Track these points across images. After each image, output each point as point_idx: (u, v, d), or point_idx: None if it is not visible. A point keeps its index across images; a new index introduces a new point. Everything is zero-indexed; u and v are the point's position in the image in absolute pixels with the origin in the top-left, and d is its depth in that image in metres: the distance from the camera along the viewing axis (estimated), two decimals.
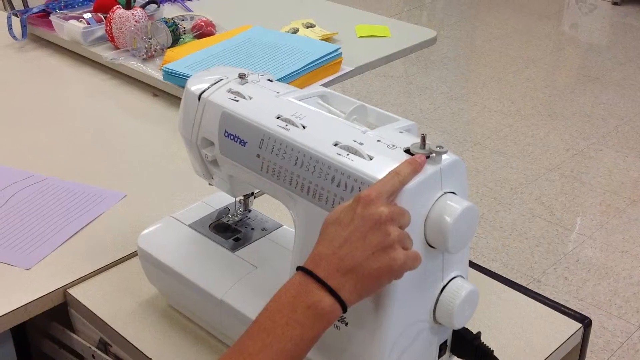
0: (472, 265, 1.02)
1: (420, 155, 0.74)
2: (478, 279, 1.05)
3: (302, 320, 0.68)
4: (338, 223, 0.71)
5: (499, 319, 0.99)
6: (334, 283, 0.68)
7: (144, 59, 1.65)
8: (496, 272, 1.08)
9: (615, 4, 4.78)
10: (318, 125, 0.82)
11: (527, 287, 1.07)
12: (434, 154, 0.74)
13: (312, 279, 0.68)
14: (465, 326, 0.82)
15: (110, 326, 0.98)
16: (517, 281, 1.08)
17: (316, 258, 0.70)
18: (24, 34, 1.84)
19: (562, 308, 1.01)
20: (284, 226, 1.01)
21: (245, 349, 0.68)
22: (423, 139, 0.75)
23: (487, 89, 3.68)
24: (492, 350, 0.83)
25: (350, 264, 0.68)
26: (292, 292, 0.69)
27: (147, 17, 1.70)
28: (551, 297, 1.04)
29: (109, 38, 1.72)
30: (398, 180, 0.72)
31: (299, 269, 0.71)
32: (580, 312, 1.00)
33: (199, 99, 0.90)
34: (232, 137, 0.86)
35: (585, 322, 0.99)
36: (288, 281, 0.71)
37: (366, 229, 0.69)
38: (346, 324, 0.78)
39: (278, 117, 0.83)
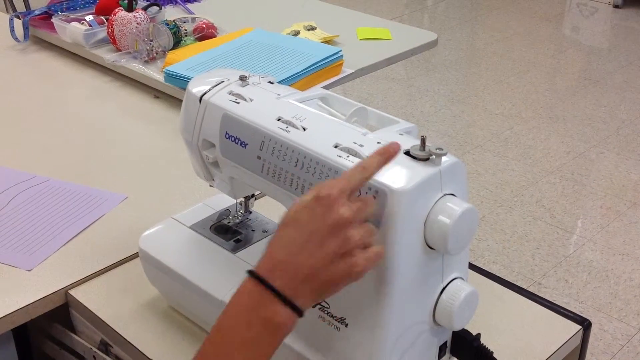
0: (472, 267, 1.02)
1: (394, 142, 0.71)
2: (478, 281, 1.05)
3: (259, 338, 0.65)
4: (295, 224, 0.67)
5: (498, 320, 0.99)
6: (290, 292, 0.65)
7: (146, 61, 1.66)
8: (497, 274, 1.09)
9: (616, 6, 4.78)
10: (318, 127, 0.82)
11: (528, 289, 1.07)
12: (434, 156, 0.75)
13: (267, 290, 0.65)
14: (465, 328, 0.82)
15: (111, 327, 0.98)
16: (517, 284, 1.09)
17: (270, 264, 0.66)
18: (26, 36, 1.85)
19: (562, 310, 1.01)
20: None
21: None
22: (423, 140, 0.75)
23: (488, 91, 3.69)
24: (492, 352, 0.83)
25: (307, 272, 0.65)
26: (245, 305, 0.66)
27: (148, 20, 1.71)
28: (552, 300, 1.04)
29: (111, 40, 1.72)
30: (363, 176, 0.69)
31: (250, 273, 0.67)
32: (581, 314, 1.00)
33: (200, 101, 0.90)
34: (233, 139, 0.86)
35: (585, 324, 0.99)
36: (239, 290, 0.66)
37: (325, 233, 0.66)
38: (346, 325, 0.78)
39: (279, 119, 0.83)
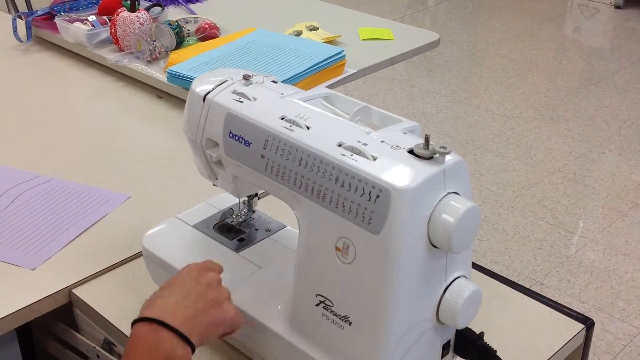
0: (475, 266, 1.02)
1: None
2: (481, 280, 1.05)
3: None
4: (176, 284, 0.80)
5: (502, 319, 0.99)
6: (184, 329, 0.74)
7: (148, 61, 1.66)
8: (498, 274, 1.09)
9: (617, 7, 4.78)
10: (322, 126, 0.82)
11: (530, 289, 1.07)
12: (438, 155, 0.75)
13: (164, 328, 0.73)
14: (469, 326, 0.82)
15: (114, 326, 0.98)
16: (519, 284, 1.09)
17: (160, 311, 0.75)
18: (28, 36, 1.85)
19: (565, 309, 1.01)
20: (288, 227, 1.01)
21: None
22: (427, 139, 0.75)
23: (490, 92, 3.69)
24: (495, 351, 0.83)
25: (193, 312, 0.76)
26: (145, 345, 0.73)
27: (151, 20, 1.71)
28: (554, 300, 1.04)
29: (114, 40, 1.72)
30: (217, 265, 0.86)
31: (139, 320, 0.75)
32: (583, 314, 1.01)
33: (204, 100, 0.90)
34: (236, 138, 0.87)
35: (588, 324, 0.99)
36: (133, 337, 0.74)
37: (203, 287, 0.79)
38: (350, 324, 0.79)
39: (282, 118, 0.83)
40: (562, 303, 1.03)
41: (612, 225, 2.66)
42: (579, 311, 1.01)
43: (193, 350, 0.74)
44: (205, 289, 0.79)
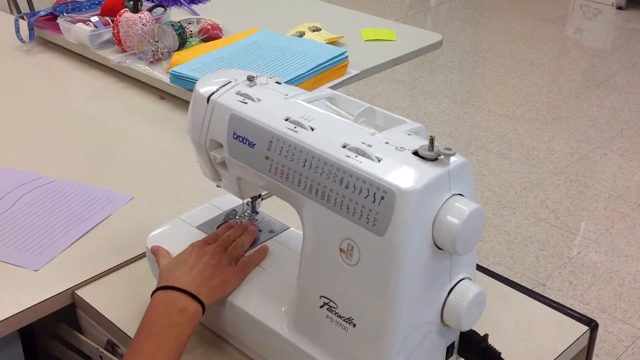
0: (479, 268, 1.02)
1: (233, 221, 1.01)
2: (485, 282, 1.05)
3: (178, 321, 0.84)
4: (178, 264, 0.91)
5: (506, 321, 0.99)
6: (194, 290, 0.87)
7: (151, 62, 1.66)
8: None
9: (619, 8, 4.78)
10: (326, 127, 0.82)
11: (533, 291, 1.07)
12: (442, 156, 0.74)
13: (175, 290, 0.87)
14: (473, 328, 0.82)
15: (118, 327, 0.98)
16: (523, 285, 1.09)
17: (170, 280, 0.88)
18: (31, 36, 1.85)
19: (569, 311, 1.01)
20: (292, 228, 1.01)
21: (141, 352, 0.82)
22: (431, 140, 0.75)
23: (492, 93, 3.69)
24: (500, 353, 0.83)
25: (198, 279, 0.88)
26: (162, 304, 0.86)
27: (154, 21, 1.71)
28: (557, 301, 1.04)
29: (116, 41, 1.72)
30: (216, 237, 0.96)
31: (156, 290, 0.88)
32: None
33: (208, 101, 0.90)
34: (240, 139, 0.86)
35: (592, 325, 0.99)
36: (152, 301, 0.87)
37: (206, 259, 0.91)
38: (354, 325, 0.78)
39: (286, 119, 0.83)
40: (565, 305, 1.03)
41: (615, 227, 2.66)
42: (581, 313, 1.01)
43: (204, 309, 0.86)
44: (208, 260, 0.91)
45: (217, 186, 0.99)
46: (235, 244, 0.95)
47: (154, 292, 0.88)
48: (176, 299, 0.86)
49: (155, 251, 0.97)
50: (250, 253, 0.96)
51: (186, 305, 0.86)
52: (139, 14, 1.68)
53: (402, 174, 0.73)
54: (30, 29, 1.85)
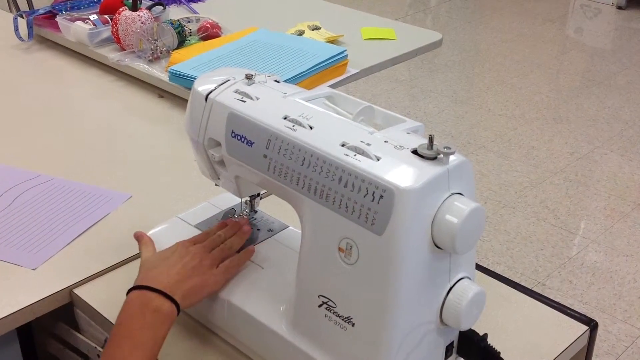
0: (478, 267, 1.02)
1: (229, 220, 0.99)
2: (484, 281, 1.05)
3: (152, 322, 0.83)
4: (161, 260, 0.91)
5: (505, 321, 0.99)
6: (167, 290, 0.86)
7: (150, 61, 1.66)
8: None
9: (620, 8, 4.78)
10: (325, 125, 0.82)
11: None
12: (442, 155, 0.74)
13: (150, 291, 0.85)
14: (472, 328, 0.82)
15: None
16: (522, 285, 1.08)
17: (146, 279, 0.87)
18: (30, 35, 1.85)
19: (569, 311, 1.01)
20: (290, 227, 1.01)
21: (115, 356, 0.82)
22: (430, 139, 0.75)
23: (492, 92, 3.68)
24: (499, 352, 0.83)
25: (176, 278, 0.87)
26: (136, 304, 0.85)
27: (153, 19, 1.70)
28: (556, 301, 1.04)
29: (115, 39, 1.72)
30: (207, 237, 0.95)
31: (131, 290, 0.87)
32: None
33: (206, 99, 0.90)
34: (239, 138, 0.86)
35: (592, 325, 0.99)
36: (126, 301, 0.86)
37: (187, 259, 0.90)
38: (353, 325, 0.78)
39: (285, 118, 0.83)
40: (564, 304, 1.02)
41: (614, 226, 2.65)
42: (581, 312, 1.01)
43: (179, 309, 0.86)
44: (188, 260, 0.90)
45: (216, 185, 0.99)
46: (223, 245, 0.94)
47: (129, 290, 0.87)
48: (150, 299, 0.85)
49: (139, 238, 0.97)
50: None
51: (160, 306, 0.85)
52: (138, 12, 1.68)
53: (401, 173, 0.73)
54: (29, 27, 1.84)
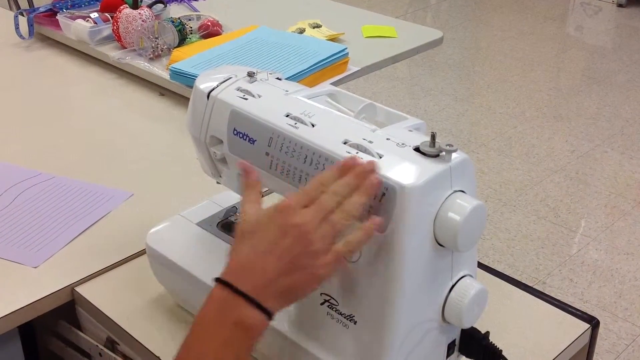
0: (479, 265, 1.01)
1: (352, 159, 0.73)
2: (486, 279, 1.05)
3: (231, 341, 0.66)
4: (255, 234, 0.69)
5: (507, 319, 0.99)
6: (257, 295, 0.67)
7: (151, 59, 1.65)
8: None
9: (620, 6, 4.78)
10: (327, 123, 0.81)
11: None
12: (444, 153, 0.74)
13: (235, 294, 0.67)
14: (474, 326, 0.82)
15: (117, 324, 0.98)
16: (524, 283, 1.08)
17: (235, 270, 0.68)
18: (30, 33, 1.85)
19: (570, 309, 1.01)
20: None
21: None
22: (433, 137, 0.75)
23: (492, 90, 3.68)
24: (501, 350, 0.83)
25: (271, 275, 0.67)
26: (215, 310, 0.68)
27: (154, 17, 1.70)
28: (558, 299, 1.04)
29: (116, 37, 1.72)
30: (321, 190, 0.71)
31: (217, 280, 0.69)
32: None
33: (208, 97, 0.90)
34: (241, 135, 0.86)
35: (593, 323, 0.99)
36: (209, 297, 0.69)
37: (287, 241, 0.68)
38: (354, 323, 0.78)
39: (287, 116, 0.83)
40: (565, 302, 1.02)
41: (615, 224, 2.65)
42: (582, 310, 1.01)
43: (270, 317, 0.68)
44: (292, 245, 0.68)
45: (217, 183, 0.99)
46: (341, 211, 0.69)
47: (216, 279, 0.69)
48: (233, 307, 0.67)
49: (245, 171, 0.76)
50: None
51: (244, 318, 0.66)
52: (138, 11, 1.68)
53: (404, 171, 0.73)
54: (30, 25, 1.84)
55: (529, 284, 1.06)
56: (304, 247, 0.68)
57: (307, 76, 1.54)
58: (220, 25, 1.80)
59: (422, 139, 0.77)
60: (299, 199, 0.70)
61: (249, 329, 0.67)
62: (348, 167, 0.71)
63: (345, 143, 0.77)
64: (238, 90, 0.89)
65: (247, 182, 0.74)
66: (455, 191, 0.75)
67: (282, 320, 0.86)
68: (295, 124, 0.82)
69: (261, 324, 0.67)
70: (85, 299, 1.02)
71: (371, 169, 0.70)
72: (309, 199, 0.70)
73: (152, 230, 1.00)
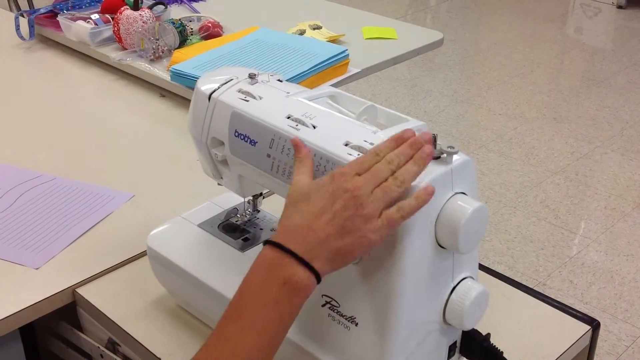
0: (481, 267, 1.02)
1: (408, 130, 0.73)
2: (486, 281, 1.05)
3: (280, 298, 0.67)
4: (307, 200, 0.71)
5: (507, 320, 0.99)
6: (306, 255, 0.68)
7: (152, 60, 1.66)
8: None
9: (620, 7, 4.78)
10: (328, 125, 0.82)
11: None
12: (445, 154, 0.74)
13: (283, 252, 0.68)
14: (475, 327, 0.82)
15: (118, 326, 0.98)
16: (525, 284, 1.08)
17: (285, 231, 0.70)
18: (31, 34, 1.85)
19: (570, 310, 1.01)
20: None
21: (227, 333, 0.67)
22: (434, 139, 0.75)
23: (492, 92, 3.68)
24: (502, 352, 0.83)
25: (322, 236, 0.68)
26: (264, 268, 0.69)
27: (154, 18, 1.71)
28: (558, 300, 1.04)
29: (117, 39, 1.72)
30: (376, 160, 0.72)
31: (266, 242, 0.70)
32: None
33: (209, 98, 0.90)
34: (242, 137, 0.86)
35: (594, 325, 0.99)
36: (258, 257, 0.70)
37: (338, 204, 0.69)
38: (356, 324, 0.78)
39: (288, 117, 0.83)
40: (566, 304, 1.03)
41: (615, 226, 2.65)
42: (583, 312, 1.01)
43: (318, 278, 0.68)
44: (342, 207, 0.68)
45: (218, 184, 0.99)
46: (395, 178, 0.70)
47: (265, 242, 0.70)
48: (282, 265, 0.68)
49: (297, 147, 0.76)
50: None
51: (292, 276, 0.67)
52: (139, 12, 1.68)
53: None
54: (31, 26, 1.84)
55: (529, 286, 1.06)
56: (355, 211, 0.68)
57: (308, 78, 1.54)
58: (220, 27, 1.80)
59: None
60: (353, 167, 0.71)
61: (297, 288, 0.68)
62: (404, 138, 0.73)
63: (346, 145, 0.78)
64: (239, 92, 0.89)
65: (298, 156, 0.75)
66: (457, 193, 0.75)
67: None
68: (297, 125, 0.82)
69: (309, 284, 0.68)
70: (86, 300, 1.02)
71: (427, 139, 0.72)
72: (362, 168, 0.71)
73: (153, 231, 1.00)
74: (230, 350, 0.66)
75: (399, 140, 0.73)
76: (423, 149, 0.71)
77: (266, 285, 0.68)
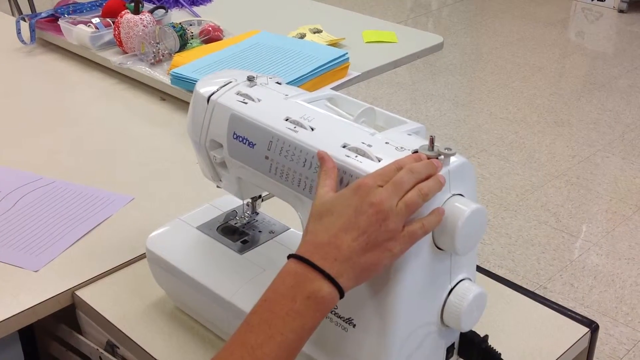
0: (479, 269, 1.02)
1: (423, 156, 0.75)
2: (485, 283, 1.05)
3: (302, 310, 0.68)
4: (331, 214, 0.71)
5: (506, 322, 0.99)
6: (332, 271, 0.69)
7: (152, 64, 1.66)
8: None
9: (621, 11, 4.78)
10: (326, 127, 0.82)
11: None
12: (443, 156, 0.74)
13: (310, 267, 0.69)
14: (473, 329, 0.82)
15: (118, 328, 0.98)
16: (524, 287, 1.08)
17: (311, 246, 0.70)
18: (32, 38, 1.85)
19: (569, 313, 1.01)
20: (292, 229, 1.01)
21: (247, 341, 0.68)
22: (432, 140, 0.75)
23: (493, 95, 3.69)
24: (500, 354, 0.83)
25: (347, 253, 0.69)
26: (289, 282, 0.69)
27: (155, 22, 1.71)
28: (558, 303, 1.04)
29: (117, 43, 1.72)
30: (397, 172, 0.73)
31: (291, 257, 0.71)
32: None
33: (208, 101, 0.90)
34: (240, 139, 0.86)
35: (593, 327, 0.99)
36: (282, 270, 0.71)
37: (363, 219, 0.70)
38: (354, 326, 0.78)
39: (287, 119, 0.83)
40: (566, 307, 1.02)
41: (616, 230, 2.65)
42: (582, 315, 1.01)
43: (342, 294, 0.69)
44: (367, 222, 0.69)
45: (217, 186, 0.99)
46: (417, 192, 0.71)
47: (290, 256, 0.72)
48: (307, 280, 0.68)
49: (322, 160, 0.76)
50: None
51: (317, 291, 0.68)
52: (140, 16, 1.68)
53: None
54: (32, 30, 1.85)
55: (530, 289, 1.06)
56: (380, 226, 0.69)
57: (308, 81, 1.54)
58: (221, 30, 1.80)
59: (421, 142, 0.77)
60: (375, 178, 0.72)
61: (321, 302, 0.68)
62: (421, 158, 0.74)
63: (344, 147, 0.78)
64: (238, 94, 0.89)
65: (323, 169, 0.76)
66: (454, 195, 0.75)
67: None
68: (295, 127, 0.82)
69: (332, 300, 0.69)
70: (85, 302, 1.02)
71: (440, 165, 0.74)
72: (384, 179, 0.72)
73: (153, 234, 1.00)
74: (248, 359, 0.67)
75: (417, 159, 0.74)
76: (439, 175, 0.73)
77: (290, 298, 0.68)
